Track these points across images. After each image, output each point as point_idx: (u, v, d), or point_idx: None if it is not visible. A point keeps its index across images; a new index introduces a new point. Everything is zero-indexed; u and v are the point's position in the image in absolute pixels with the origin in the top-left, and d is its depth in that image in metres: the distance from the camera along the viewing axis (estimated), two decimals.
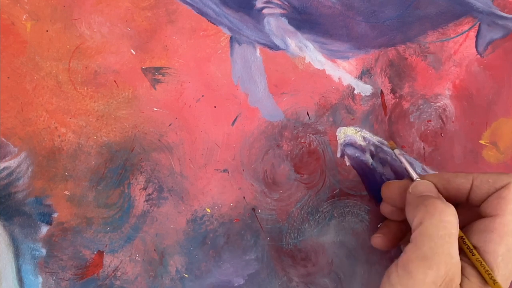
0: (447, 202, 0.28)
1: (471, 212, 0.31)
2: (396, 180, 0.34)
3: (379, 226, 0.36)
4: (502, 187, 0.29)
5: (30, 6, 0.30)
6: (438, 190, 0.31)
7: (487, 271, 0.27)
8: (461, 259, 0.28)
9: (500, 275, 0.27)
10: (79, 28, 0.31)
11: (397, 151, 0.34)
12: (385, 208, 0.34)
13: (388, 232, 0.34)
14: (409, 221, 0.29)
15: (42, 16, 0.30)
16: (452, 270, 0.26)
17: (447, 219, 0.27)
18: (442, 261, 0.26)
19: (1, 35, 0.30)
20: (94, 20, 0.31)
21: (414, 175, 0.32)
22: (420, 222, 0.27)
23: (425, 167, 0.38)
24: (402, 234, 0.34)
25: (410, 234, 0.29)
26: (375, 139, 0.37)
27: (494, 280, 0.27)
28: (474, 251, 0.28)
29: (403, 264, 0.27)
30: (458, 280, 0.27)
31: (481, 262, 0.27)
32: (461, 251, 0.29)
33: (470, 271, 0.28)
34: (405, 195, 0.31)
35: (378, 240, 0.34)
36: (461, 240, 0.29)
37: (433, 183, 0.31)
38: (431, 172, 0.38)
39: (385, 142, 0.37)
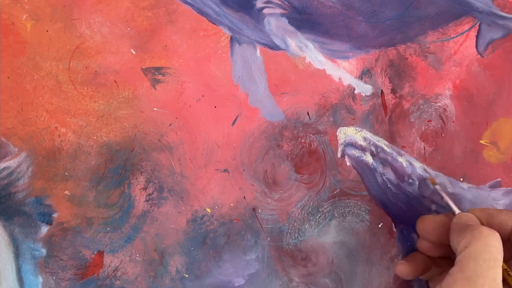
0: (492, 229, 0.29)
1: None
2: (431, 215, 0.34)
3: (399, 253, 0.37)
4: None
5: (30, 6, 0.30)
6: (481, 223, 0.31)
7: None
8: None
9: None
10: (79, 28, 0.31)
11: (438, 187, 0.36)
12: (423, 245, 0.34)
13: (413, 261, 0.34)
14: (453, 247, 0.30)
15: (42, 16, 0.30)
16: None
17: (493, 244, 0.28)
18: (486, 284, 0.26)
19: (1, 35, 0.30)
20: (94, 20, 0.31)
21: (457, 210, 0.33)
22: (466, 246, 0.28)
23: (426, 167, 0.38)
24: (426, 267, 0.34)
25: (435, 268, 0.31)
26: (375, 139, 0.36)
27: None
28: None
29: (448, 285, 0.27)
30: None
31: None
32: (505, 283, 0.29)
33: None
34: (439, 229, 0.32)
35: (401, 267, 0.34)
36: (505, 271, 0.30)
37: (477, 217, 0.32)
38: (433, 172, 0.38)
39: (386, 142, 0.37)
